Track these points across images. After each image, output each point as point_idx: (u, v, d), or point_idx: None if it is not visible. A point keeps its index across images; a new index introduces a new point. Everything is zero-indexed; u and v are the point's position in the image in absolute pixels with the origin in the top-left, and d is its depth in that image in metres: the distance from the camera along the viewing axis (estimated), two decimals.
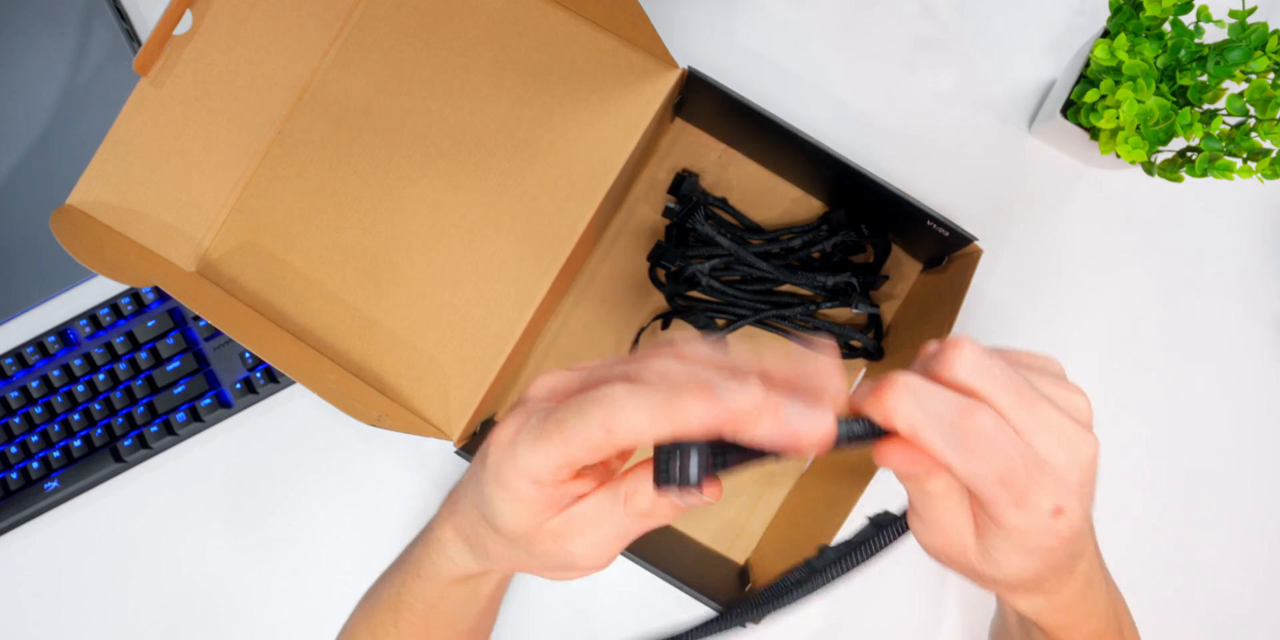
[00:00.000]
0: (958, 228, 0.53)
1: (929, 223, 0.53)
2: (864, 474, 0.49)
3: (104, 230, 0.51)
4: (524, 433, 0.28)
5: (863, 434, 0.27)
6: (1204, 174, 0.49)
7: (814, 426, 0.25)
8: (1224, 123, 0.48)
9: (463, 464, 0.63)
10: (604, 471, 0.31)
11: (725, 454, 0.27)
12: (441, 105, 0.53)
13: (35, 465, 0.60)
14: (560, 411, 0.27)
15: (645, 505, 0.28)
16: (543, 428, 0.27)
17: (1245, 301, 0.61)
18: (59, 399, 0.60)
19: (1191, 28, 0.49)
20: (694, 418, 0.25)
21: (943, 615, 0.61)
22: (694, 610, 0.61)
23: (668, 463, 0.26)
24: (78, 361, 0.60)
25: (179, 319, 0.61)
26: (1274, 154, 0.48)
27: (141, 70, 0.51)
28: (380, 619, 0.41)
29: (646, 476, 0.28)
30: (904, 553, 0.61)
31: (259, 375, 0.61)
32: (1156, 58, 0.49)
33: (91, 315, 0.60)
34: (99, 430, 0.60)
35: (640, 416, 0.25)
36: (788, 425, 0.25)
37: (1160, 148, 0.49)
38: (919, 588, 0.61)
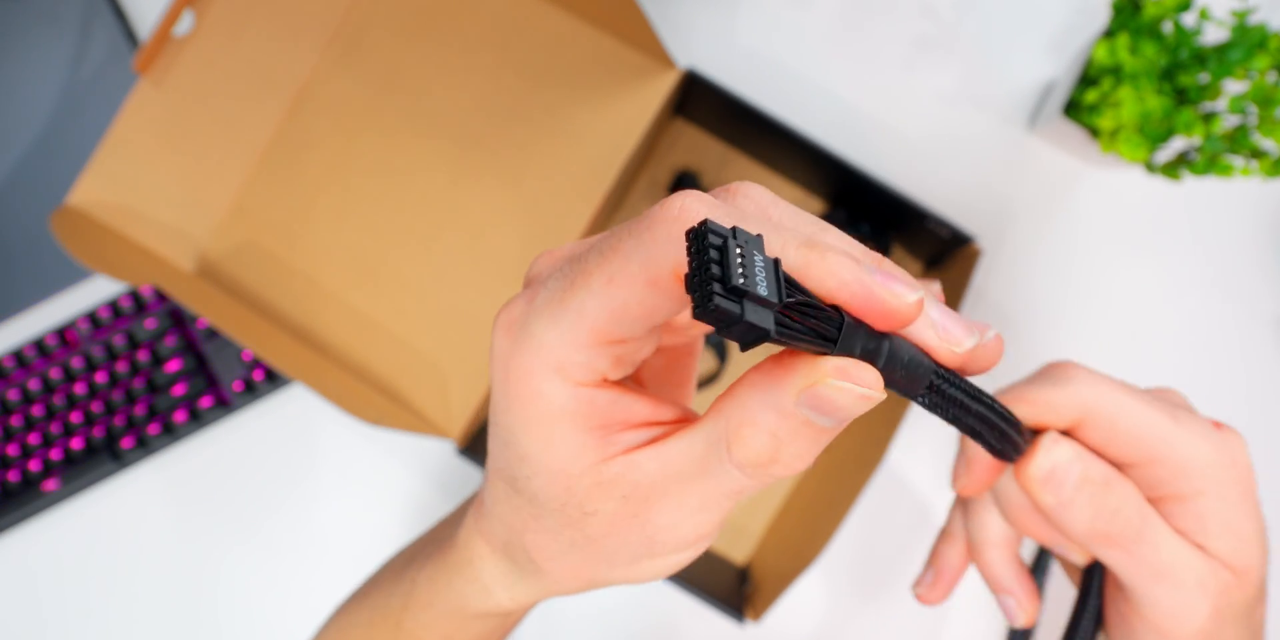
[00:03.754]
0: (958, 228, 0.53)
1: (929, 223, 0.53)
2: (863, 475, 0.49)
3: (104, 230, 0.51)
4: (540, 298, 0.19)
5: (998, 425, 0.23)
6: (1204, 173, 0.49)
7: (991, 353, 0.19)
8: (1224, 122, 0.48)
9: (463, 464, 0.63)
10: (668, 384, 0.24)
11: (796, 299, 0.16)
12: (441, 105, 0.53)
13: (34, 465, 0.60)
14: (601, 241, 0.18)
15: (765, 444, 0.18)
16: (572, 279, 0.18)
17: (1245, 301, 0.61)
18: (58, 399, 0.60)
19: (1192, 28, 0.49)
20: (840, 272, 0.17)
21: (950, 615, 0.61)
22: (694, 611, 0.61)
23: (719, 260, 0.15)
24: (77, 361, 0.60)
25: (179, 319, 0.61)
26: (1274, 154, 0.48)
27: (141, 70, 0.51)
28: None
29: (761, 405, 0.18)
30: (913, 541, 0.61)
31: (259, 375, 0.61)
32: (1157, 57, 0.49)
33: (91, 315, 0.60)
34: (98, 430, 0.60)
35: (756, 228, 0.17)
36: (956, 338, 0.19)
37: (1160, 147, 0.49)
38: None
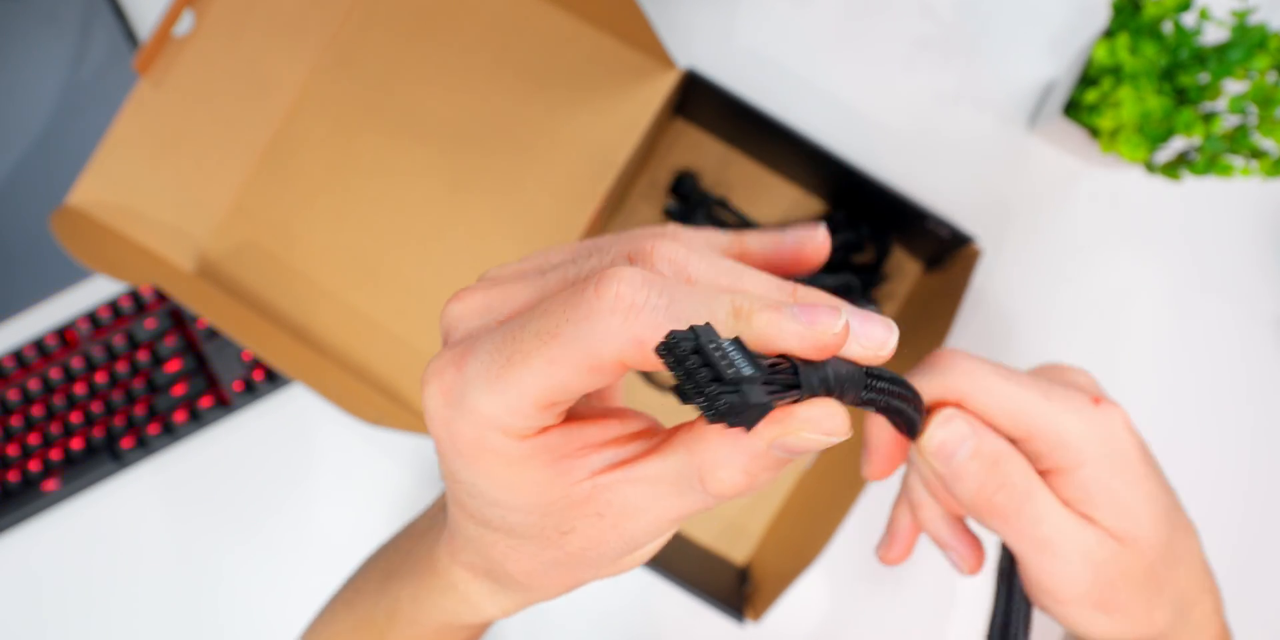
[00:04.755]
0: (958, 228, 0.53)
1: (929, 223, 0.53)
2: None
3: (104, 230, 0.51)
4: (475, 367, 0.19)
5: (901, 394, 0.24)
6: (1204, 173, 0.49)
7: (886, 336, 0.20)
8: (1224, 122, 0.48)
9: None
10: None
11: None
12: (441, 105, 0.53)
13: (34, 465, 0.60)
14: (535, 321, 0.18)
15: (740, 481, 0.19)
16: (510, 356, 0.18)
17: (1245, 301, 0.61)
18: (58, 399, 0.60)
19: (1192, 28, 0.49)
20: (788, 337, 0.18)
21: (951, 614, 0.61)
22: (694, 611, 0.61)
23: (707, 365, 0.16)
24: (77, 362, 0.60)
25: (179, 319, 0.61)
26: (1274, 154, 0.48)
27: (141, 70, 0.51)
28: None
29: (733, 450, 0.19)
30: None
31: (259, 375, 0.61)
32: (1157, 57, 0.49)
33: (91, 315, 0.60)
34: (98, 430, 0.60)
35: (690, 308, 0.18)
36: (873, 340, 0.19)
37: (1160, 147, 0.49)
38: (927, 585, 0.61)
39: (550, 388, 0.18)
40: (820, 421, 0.18)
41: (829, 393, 0.19)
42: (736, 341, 0.17)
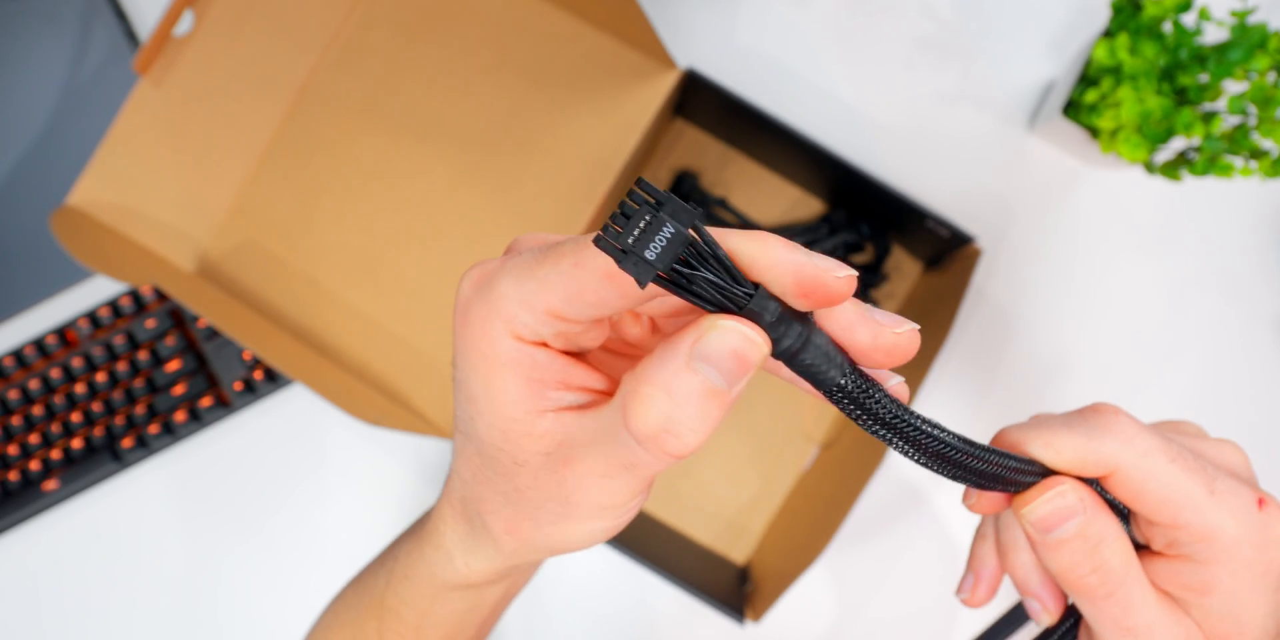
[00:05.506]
0: (958, 228, 0.53)
1: (929, 223, 0.53)
2: (864, 475, 0.49)
3: (104, 230, 0.51)
4: (513, 262, 0.21)
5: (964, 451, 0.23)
6: (1204, 174, 0.49)
7: (909, 341, 0.20)
8: (1224, 122, 0.48)
9: None
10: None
11: (700, 269, 0.18)
12: (441, 105, 0.53)
13: (34, 465, 0.60)
14: (578, 236, 0.20)
15: (660, 405, 0.19)
16: (545, 254, 0.20)
17: (1245, 301, 0.61)
18: (58, 399, 0.60)
19: (1192, 28, 0.49)
20: (783, 261, 0.19)
21: (951, 614, 0.61)
22: (694, 611, 0.61)
23: (628, 220, 0.18)
24: (77, 361, 0.60)
25: (179, 319, 0.61)
26: (1274, 154, 0.48)
27: (141, 70, 0.51)
28: (362, 626, 0.33)
29: (658, 363, 0.19)
30: (915, 540, 0.61)
31: (259, 375, 0.61)
32: (1157, 57, 0.49)
33: (91, 315, 0.60)
34: (99, 430, 0.60)
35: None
36: (890, 332, 0.20)
37: (1160, 147, 0.49)
38: (928, 585, 0.61)
39: (569, 291, 0.20)
40: (740, 319, 0.19)
41: (769, 331, 0.19)
42: (686, 239, 0.18)
